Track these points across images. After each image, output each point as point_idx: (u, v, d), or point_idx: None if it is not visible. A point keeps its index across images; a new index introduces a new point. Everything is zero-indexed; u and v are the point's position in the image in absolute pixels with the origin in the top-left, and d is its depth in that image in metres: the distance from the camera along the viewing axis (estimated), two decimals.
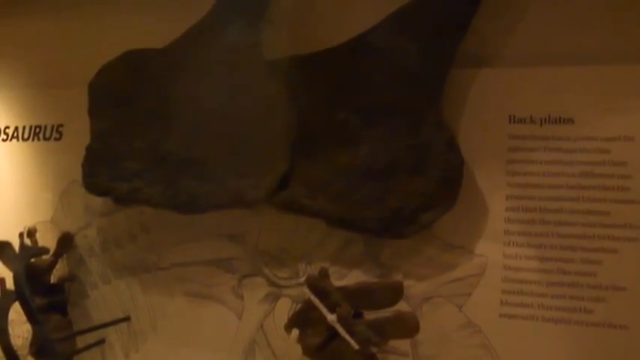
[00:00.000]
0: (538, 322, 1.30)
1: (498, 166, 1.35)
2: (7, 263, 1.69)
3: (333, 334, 1.28)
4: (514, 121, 1.36)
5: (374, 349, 1.30)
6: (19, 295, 1.61)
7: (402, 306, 1.31)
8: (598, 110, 1.30)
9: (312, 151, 1.43)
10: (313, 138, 1.44)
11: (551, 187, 1.31)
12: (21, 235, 1.73)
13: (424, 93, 1.37)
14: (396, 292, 1.29)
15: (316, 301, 1.30)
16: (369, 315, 1.31)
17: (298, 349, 1.35)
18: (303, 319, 1.34)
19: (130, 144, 1.62)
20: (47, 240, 1.80)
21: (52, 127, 1.92)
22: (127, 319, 1.72)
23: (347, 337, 1.25)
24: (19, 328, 1.76)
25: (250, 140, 1.48)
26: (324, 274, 1.34)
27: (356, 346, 1.24)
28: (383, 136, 1.38)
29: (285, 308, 1.53)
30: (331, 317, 1.27)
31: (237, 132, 1.49)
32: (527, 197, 1.33)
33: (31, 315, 1.62)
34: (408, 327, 1.25)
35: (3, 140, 2.00)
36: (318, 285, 1.32)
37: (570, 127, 1.32)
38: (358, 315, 1.31)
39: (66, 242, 1.79)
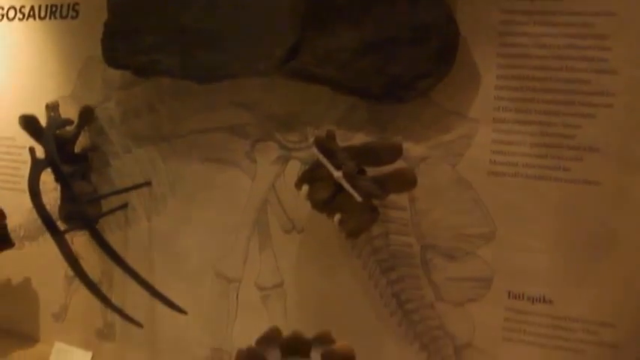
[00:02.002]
0: (523, 178, 1.42)
1: (491, 38, 1.43)
2: (34, 134, 1.77)
3: (339, 189, 1.41)
4: None
5: (375, 202, 1.44)
6: (49, 160, 1.68)
7: (400, 165, 1.44)
8: None
9: (320, 24, 1.49)
10: (321, 12, 1.49)
11: (539, 57, 1.40)
12: (47, 107, 1.82)
13: None
14: (395, 151, 1.41)
15: (324, 160, 1.42)
16: (372, 172, 1.43)
17: (306, 205, 1.49)
18: (312, 176, 1.46)
19: (147, 18, 1.66)
20: (68, 115, 1.88)
21: (68, 5, 1.94)
22: (148, 183, 1.83)
23: (351, 190, 1.38)
24: (46, 196, 1.83)
25: (262, 13, 1.53)
26: (330, 136, 1.46)
27: (359, 199, 1.38)
28: (385, 12, 1.44)
29: (294, 170, 1.64)
30: (337, 173, 1.39)
31: (250, 5, 1.55)
32: (516, 67, 1.41)
33: (61, 178, 1.71)
34: (406, 180, 1.38)
35: (19, 20, 2.03)
36: (326, 145, 1.43)
37: (558, 2, 1.39)
38: (362, 172, 1.44)
39: (87, 114, 1.87)
